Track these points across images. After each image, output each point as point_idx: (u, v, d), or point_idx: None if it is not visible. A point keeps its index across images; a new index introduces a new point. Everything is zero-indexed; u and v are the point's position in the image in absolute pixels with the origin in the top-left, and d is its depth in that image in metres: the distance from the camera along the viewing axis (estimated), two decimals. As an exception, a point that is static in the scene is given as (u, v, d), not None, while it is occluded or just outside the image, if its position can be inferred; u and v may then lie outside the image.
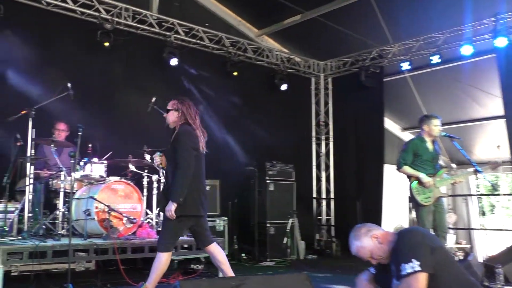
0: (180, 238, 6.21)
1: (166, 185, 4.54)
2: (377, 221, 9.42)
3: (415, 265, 2.84)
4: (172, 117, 4.60)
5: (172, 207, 4.27)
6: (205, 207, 4.54)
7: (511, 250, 6.37)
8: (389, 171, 10.26)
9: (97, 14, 7.62)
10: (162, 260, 4.40)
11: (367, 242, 3.13)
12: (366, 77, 9.65)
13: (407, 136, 10.85)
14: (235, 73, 9.07)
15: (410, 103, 10.27)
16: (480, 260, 6.12)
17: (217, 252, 4.57)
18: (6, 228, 5.41)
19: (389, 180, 10.26)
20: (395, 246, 3.03)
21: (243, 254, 8.22)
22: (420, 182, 5.83)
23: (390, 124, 11.55)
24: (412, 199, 5.91)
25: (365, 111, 10.15)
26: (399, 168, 5.98)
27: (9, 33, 7.01)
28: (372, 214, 9.48)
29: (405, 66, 9.06)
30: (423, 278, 2.83)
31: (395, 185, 10.41)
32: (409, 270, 2.83)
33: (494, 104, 9.16)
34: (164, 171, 4.63)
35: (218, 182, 8.11)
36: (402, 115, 11.43)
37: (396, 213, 10.26)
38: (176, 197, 4.27)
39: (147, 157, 6.56)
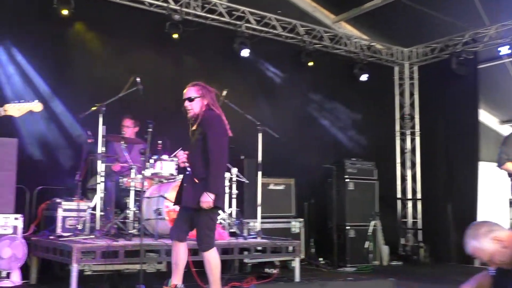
0: (253, 240, 6.38)
1: (191, 177, 4.42)
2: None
3: None
4: (198, 106, 4.54)
5: (209, 198, 4.22)
6: None
7: None
8: (485, 169, 9.89)
9: (165, 5, 7.89)
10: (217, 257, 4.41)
11: (487, 244, 2.96)
12: (457, 64, 9.32)
13: (505, 129, 10.40)
14: (311, 63, 9.08)
15: (509, 93, 9.83)
16: None
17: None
18: (79, 227, 5.74)
19: (485, 179, 9.89)
20: None
21: (320, 259, 8.22)
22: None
23: (486, 117, 11.11)
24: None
25: (457, 103, 9.81)
26: (500, 165, 5.75)
27: (79, 27, 7.44)
28: (466, 217, 9.14)
29: (504, 50, 8.70)
30: None
31: (492, 185, 10.01)
32: None
33: None
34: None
35: (293, 181, 8.16)
36: (500, 106, 10.97)
37: (493, 217, 9.85)
38: (215, 188, 4.25)
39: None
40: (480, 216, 9.31)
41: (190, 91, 4.62)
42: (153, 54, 7.97)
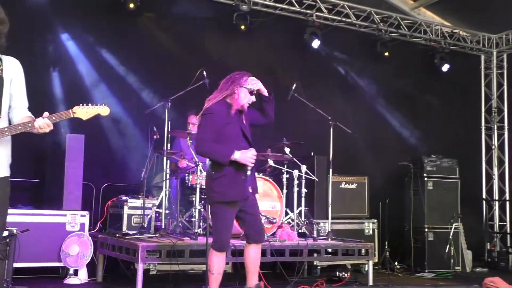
0: (324, 242, 6.36)
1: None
2: None
3: None
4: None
5: None
6: None
7: None
8: None
9: (232, -5, 7.98)
10: None
11: None
12: (552, 51, 8.86)
13: None
14: (387, 54, 8.91)
15: None
16: None
17: None
18: (145, 225, 5.94)
19: None
20: None
21: (396, 263, 8.06)
22: None
23: None
24: None
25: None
26: None
27: (146, 20, 7.67)
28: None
29: None
30: None
31: None
32: None
33: None
34: None
35: (367, 179, 8.05)
36: None
37: None
38: None
39: (287, 150, 6.75)
40: None
41: (247, 81, 4.66)
42: (221, 47, 8.09)
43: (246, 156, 4.32)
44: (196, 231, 5.92)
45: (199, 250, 5.42)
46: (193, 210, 6.15)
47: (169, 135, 6.14)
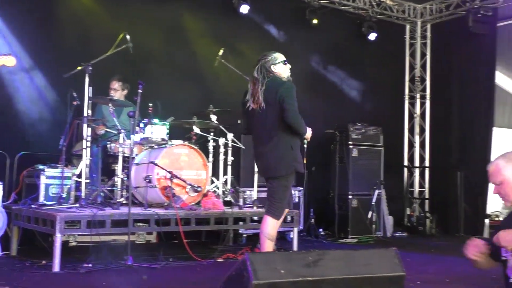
0: (249, 210, 6.40)
1: None
2: (483, 194, 9.13)
3: None
4: None
5: None
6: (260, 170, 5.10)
7: None
8: (500, 135, 9.84)
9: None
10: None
11: (510, 172, 3.06)
12: (474, 21, 9.14)
13: (523, 93, 10.30)
14: (315, 21, 8.93)
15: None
16: None
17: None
18: (64, 195, 5.74)
19: (500, 146, 9.84)
20: None
21: (320, 230, 8.26)
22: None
23: (503, 79, 10.96)
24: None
25: (472, 64, 9.69)
26: None
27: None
28: (476, 186, 9.18)
29: (525, 7, 8.49)
30: None
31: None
32: None
33: None
34: None
35: (293, 147, 8.11)
36: (518, 68, 10.83)
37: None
38: None
39: (213, 118, 6.68)
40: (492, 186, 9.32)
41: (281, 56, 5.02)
42: (145, 10, 7.81)
43: (310, 132, 4.91)
44: (118, 200, 5.79)
45: (122, 220, 5.32)
46: (115, 179, 6.00)
47: (90, 102, 5.90)
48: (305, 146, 4.93)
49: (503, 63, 10.29)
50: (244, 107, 4.81)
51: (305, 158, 4.85)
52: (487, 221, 9.18)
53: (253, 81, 4.76)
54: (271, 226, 4.69)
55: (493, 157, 9.25)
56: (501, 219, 9.65)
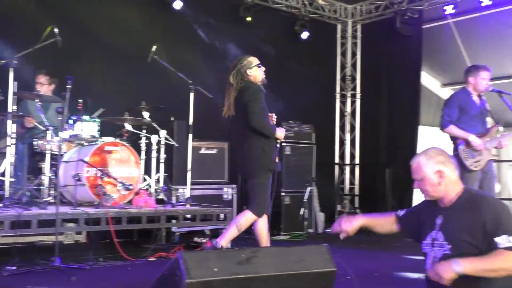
0: (182, 208, 6.34)
1: None
2: (410, 191, 9.42)
3: None
4: None
5: None
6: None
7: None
8: (425, 133, 10.19)
9: None
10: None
11: (430, 170, 3.14)
12: (402, 23, 9.44)
13: (447, 93, 10.67)
14: (249, 19, 8.94)
15: (453, 55, 10.05)
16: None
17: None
18: (-14, 194, 5.49)
19: (425, 144, 10.19)
20: (470, 205, 3.04)
21: (253, 227, 8.27)
22: (468, 144, 5.78)
23: (428, 80, 11.35)
24: (458, 164, 5.86)
25: (400, 64, 10.00)
26: (444, 127, 5.92)
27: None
28: (403, 182, 9.45)
29: (449, 10, 8.82)
30: None
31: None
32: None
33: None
34: None
35: (227, 145, 8.11)
36: (442, 68, 11.22)
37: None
38: None
39: (146, 115, 6.58)
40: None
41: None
42: (74, 2, 7.58)
43: (282, 132, 5.10)
44: (45, 199, 5.60)
45: (49, 220, 5.13)
46: (42, 177, 5.80)
47: (15, 97, 5.66)
48: (278, 146, 5.13)
49: (428, 64, 10.66)
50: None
51: (277, 158, 5.06)
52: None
53: (228, 88, 5.01)
54: (246, 218, 4.98)
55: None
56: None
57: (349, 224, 3.38)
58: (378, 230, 3.51)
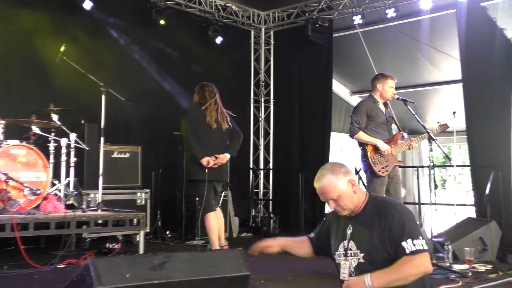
0: (93, 213, 6.13)
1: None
2: (321, 195, 9.62)
3: (423, 243, 2.97)
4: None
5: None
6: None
7: (460, 227, 6.73)
8: (336, 139, 10.48)
9: None
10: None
11: (343, 184, 3.12)
12: (313, 31, 9.64)
13: (356, 101, 11.05)
14: (162, 22, 8.82)
15: (361, 63, 10.43)
16: (429, 236, 6.41)
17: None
18: None
19: (336, 149, 10.48)
20: (376, 212, 3.09)
21: (167, 232, 8.17)
22: (376, 150, 5.96)
23: (338, 87, 11.73)
24: (367, 169, 6.05)
25: (311, 71, 10.21)
26: (353, 135, 6.07)
27: None
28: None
29: (357, 20, 9.09)
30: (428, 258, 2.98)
31: (342, 155, 10.66)
32: (419, 247, 2.94)
33: (451, 67, 9.47)
34: None
35: (140, 148, 7.96)
36: (351, 76, 11.62)
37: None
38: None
39: (55, 117, 6.33)
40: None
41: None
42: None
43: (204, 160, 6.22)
44: None
45: None
46: None
47: None
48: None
49: (339, 72, 11.00)
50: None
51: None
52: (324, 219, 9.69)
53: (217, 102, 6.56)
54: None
55: (331, 159, 9.88)
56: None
57: (268, 244, 3.44)
58: (296, 253, 3.53)
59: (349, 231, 3.17)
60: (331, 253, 3.30)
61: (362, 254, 3.07)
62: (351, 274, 3.10)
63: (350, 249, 3.13)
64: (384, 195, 5.90)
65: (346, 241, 3.17)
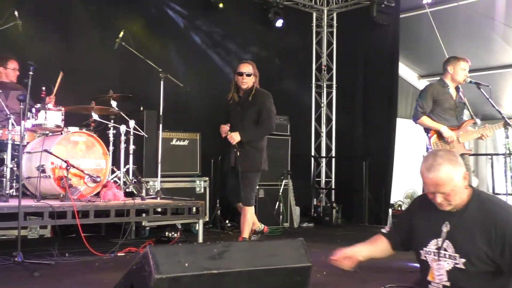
0: (152, 201, 6.25)
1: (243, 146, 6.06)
2: (387, 184, 9.49)
3: None
4: (251, 82, 6.17)
5: (237, 137, 6.01)
6: None
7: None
8: (403, 126, 10.26)
9: None
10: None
11: (459, 177, 2.83)
12: (378, 12, 9.44)
13: (424, 84, 10.74)
14: (221, 5, 8.83)
15: (430, 45, 10.11)
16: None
17: None
18: None
19: (403, 137, 10.26)
20: (483, 213, 2.85)
21: (227, 221, 8.24)
22: (440, 136, 5.81)
23: (406, 71, 11.46)
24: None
25: (377, 54, 10.02)
26: (416, 119, 5.94)
27: None
28: (382, 176, 9.53)
29: (426, -1, 8.84)
30: None
31: (409, 142, 10.43)
32: None
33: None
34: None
35: (199, 135, 8.04)
36: (420, 59, 11.32)
37: (409, 176, 10.30)
38: (246, 138, 6.05)
39: (114, 104, 6.47)
40: (396, 174, 9.71)
41: (247, 68, 6.18)
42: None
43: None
44: (7, 192, 5.45)
45: (11, 213, 5.00)
46: (4, 169, 5.65)
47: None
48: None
49: (406, 55, 10.74)
50: None
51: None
52: (390, 210, 9.55)
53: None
54: (251, 214, 6.35)
55: (397, 147, 9.69)
56: (403, 208, 10.09)
57: (348, 263, 3.30)
58: (378, 257, 3.36)
59: (445, 229, 2.92)
60: (415, 247, 3.08)
61: (464, 260, 2.83)
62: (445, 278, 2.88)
63: (445, 250, 2.90)
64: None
65: (440, 240, 2.93)
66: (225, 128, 6.14)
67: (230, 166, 6.23)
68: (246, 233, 6.12)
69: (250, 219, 6.21)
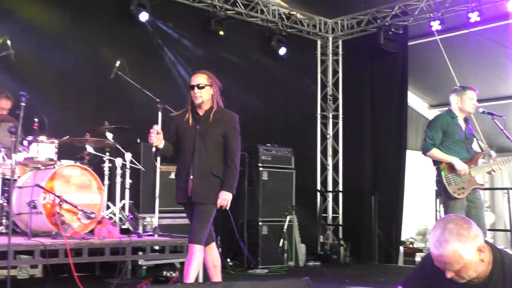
0: (149, 238, 6.23)
1: (201, 168, 4.90)
2: (398, 220, 9.46)
3: None
4: (207, 95, 5.04)
5: (229, 197, 4.87)
6: None
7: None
8: (413, 158, 10.27)
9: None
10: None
11: (471, 252, 2.65)
12: (386, 39, 9.58)
13: (435, 114, 10.81)
14: (221, 33, 8.96)
15: (440, 74, 10.22)
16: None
17: (215, 253, 5.00)
18: None
19: (413, 169, 10.27)
20: (504, 278, 2.71)
21: (228, 260, 8.20)
22: (451, 169, 5.80)
23: (415, 100, 11.54)
24: (441, 190, 5.88)
25: (384, 83, 10.11)
26: (426, 151, 5.93)
27: None
28: (392, 211, 9.51)
29: (436, 26, 8.97)
30: None
31: (420, 176, 10.43)
32: None
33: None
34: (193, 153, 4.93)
35: (199, 169, 8.04)
36: (429, 88, 11.41)
37: (421, 211, 10.29)
38: (233, 189, 4.94)
39: (109, 136, 6.50)
40: (407, 209, 9.69)
41: (199, 78, 5.09)
42: (29, 15, 7.50)
43: None
44: (-4, 229, 5.47)
45: (0, 252, 4.98)
46: (-7, 204, 5.68)
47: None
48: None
49: (415, 84, 10.83)
50: None
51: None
52: (401, 248, 9.51)
53: None
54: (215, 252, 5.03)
55: (407, 181, 9.69)
56: (415, 246, 10.05)
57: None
58: None
59: None
60: None
61: None
62: None
63: None
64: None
65: None
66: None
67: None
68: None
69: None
